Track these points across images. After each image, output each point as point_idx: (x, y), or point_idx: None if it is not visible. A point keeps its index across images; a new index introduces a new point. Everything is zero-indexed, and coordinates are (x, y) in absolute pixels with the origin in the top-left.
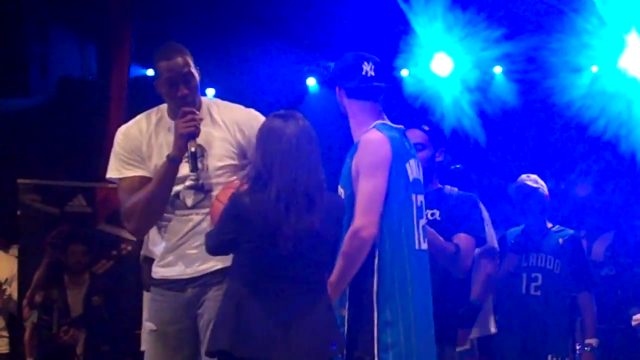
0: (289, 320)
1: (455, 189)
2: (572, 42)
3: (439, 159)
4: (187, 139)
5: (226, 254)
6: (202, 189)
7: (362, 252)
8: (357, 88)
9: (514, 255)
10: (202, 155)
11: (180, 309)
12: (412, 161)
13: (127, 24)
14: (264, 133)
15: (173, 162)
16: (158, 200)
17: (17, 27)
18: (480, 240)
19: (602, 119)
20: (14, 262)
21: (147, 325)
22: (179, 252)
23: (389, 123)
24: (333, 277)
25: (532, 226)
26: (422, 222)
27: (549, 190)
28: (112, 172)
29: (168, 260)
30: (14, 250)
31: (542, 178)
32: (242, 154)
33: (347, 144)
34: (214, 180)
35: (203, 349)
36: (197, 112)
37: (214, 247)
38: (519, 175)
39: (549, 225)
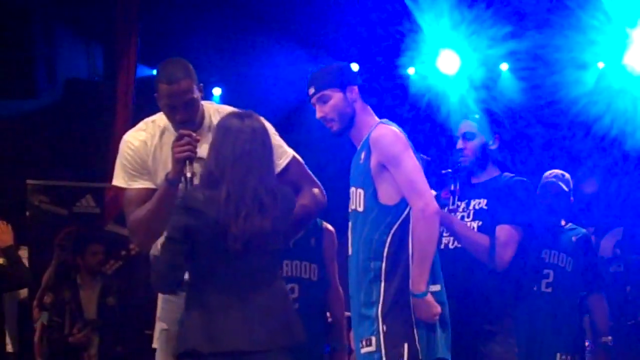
0: (250, 315)
1: (510, 175)
2: (577, 38)
3: (493, 146)
4: (183, 163)
5: (177, 259)
6: None
7: (435, 228)
8: (362, 87)
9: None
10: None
11: (171, 311)
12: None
13: (133, 24)
14: (219, 132)
15: (171, 185)
16: (157, 220)
17: (23, 29)
18: (527, 227)
19: (608, 115)
20: None
21: (160, 324)
22: None
23: (388, 121)
24: (416, 262)
25: (548, 223)
26: None
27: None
28: (118, 181)
29: None
30: (23, 252)
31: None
32: None
33: (351, 143)
34: None
35: None
36: (194, 135)
37: (163, 252)
38: (525, 173)
39: (562, 222)
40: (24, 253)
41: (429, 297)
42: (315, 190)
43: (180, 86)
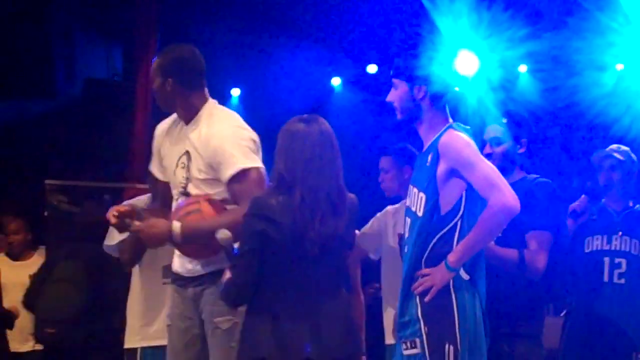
0: (319, 322)
1: (533, 177)
2: (596, 40)
3: (521, 150)
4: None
5: (249, 277)
6: (189, 195)
7: (502, 225)
8: (440, 96)
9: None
10: (189, 167)
11: (184, 306)
12: None
13: (152, 24)
14: (287, 137)
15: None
16: None
17: (43, 29)
18: (557, 230)
19: (627, 117)
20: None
21: (166, 320)
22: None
23: (461, 124)
24: (466, 241)
25: (615, 203)
26: None
27: (574, 189)
28: (150, 165)
29: (177, 255)
30: (42, 251)
31: (566, 176)
32: (210, 168)
33: (372, 143)
34: (195, 190)
35: (211, 351)
36: (116, 212)
37: (240, 273)
38: (544, 174)
39: (630, 204)
40: (41, 252)
41: (451, 274)
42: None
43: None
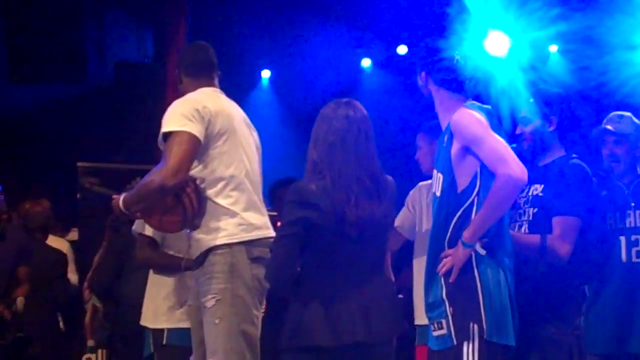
0: (366, 304)
1: (571, 157)
2: (627, 20)
3: (551, 128)
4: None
5: (291, 267)
6: None
7: (513, 197)
8: (448, 79)
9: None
10: None
11: (192, 288)
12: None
13: (182, 6)
14: (318, 121)
15: None
16: None
17: (74, 12)
18: (588, 214)
19: None
20: (63, 246)
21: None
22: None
23: (478, 103)
24: (478, 217)
25: (623, 177)
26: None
27: (603, 171)
28: None
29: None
30: (74, 234)
31: (596, 158)
32: None
33: (403, 124)
34: None
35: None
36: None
37: (278, 247)
38: (574, 154)
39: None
40: (74, 235)
41: (468, 251)
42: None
43: None
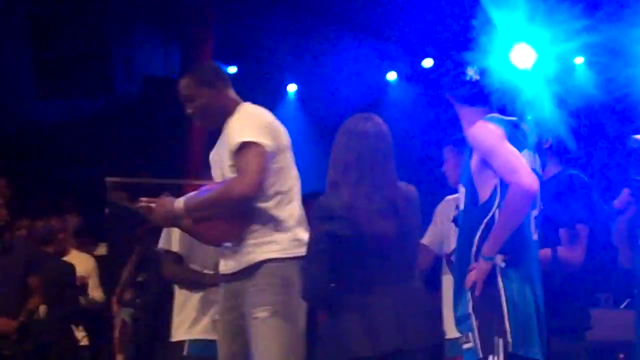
0: (402, 311)
1: (567, 171)
2: None
3: (545, 145)
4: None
5: (322, 279)
6: None
7: (527, 206)
8: (464, 95)
9: None
10: (222, 161)
11: (229, 300)
12: (525, 151)
13: (209, 21)
14: (340, 136)
15: None
16: None
17: (101, 28)
18: (594, 220)
19: None
20: (88, 261)
21: (215, 315)
22: (219, 250)
23: (499, 116)
24: (495, 230)
25: None
26: (535, 212)
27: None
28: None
29: (221, 255)
30: (102, 249)
31: (623, 170)
32: (230, 153)
33: (429, 137)
34: None
35: (254, 342)
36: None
37: (311, 264)
38: (602, 168)
39: None
40: (102, 250)
41: (489, 264)
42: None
43: (181, 81)
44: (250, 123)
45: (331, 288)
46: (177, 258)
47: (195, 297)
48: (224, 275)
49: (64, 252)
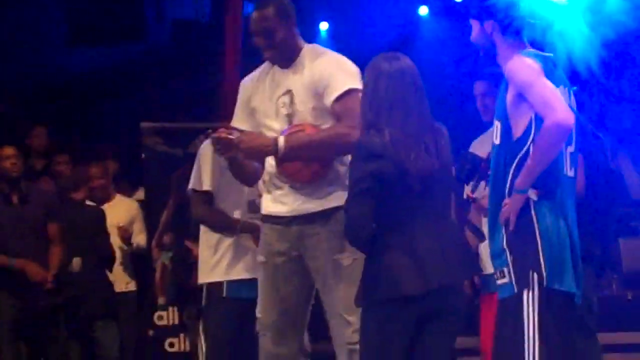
0: (444, 248)
1: None
2: None
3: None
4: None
5: (364, 218)
6: None
7: (560, 142)
8: (504, 25)
9: None
10: (292, 102)
11: (282, 243)
12: (561, 87)
13: None
14: (371, 76)
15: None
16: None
17: None
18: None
19: None
20: (132, 205)
21: (258, 257)
22: (282, 192)
23: (535, 51)
24: (529, 165)
25: None
26: (570, 149)
27: None
28: (234, 121)
29: (273, 198)
30: (140, 193)
31: None
32: (316, 95)
33: (459, 72)
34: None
35: (334, 287)
36: (222, 135)
37: (353, 205)
38: (635, 101)
39: None
40: (140, 194)
41: (522, 197)
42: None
43: (259, 13)
44: (350, 69)
45: (373, 228)
46: (208, 198)
47: (227, 241)
48: (283, 217)
49: (108, 198)
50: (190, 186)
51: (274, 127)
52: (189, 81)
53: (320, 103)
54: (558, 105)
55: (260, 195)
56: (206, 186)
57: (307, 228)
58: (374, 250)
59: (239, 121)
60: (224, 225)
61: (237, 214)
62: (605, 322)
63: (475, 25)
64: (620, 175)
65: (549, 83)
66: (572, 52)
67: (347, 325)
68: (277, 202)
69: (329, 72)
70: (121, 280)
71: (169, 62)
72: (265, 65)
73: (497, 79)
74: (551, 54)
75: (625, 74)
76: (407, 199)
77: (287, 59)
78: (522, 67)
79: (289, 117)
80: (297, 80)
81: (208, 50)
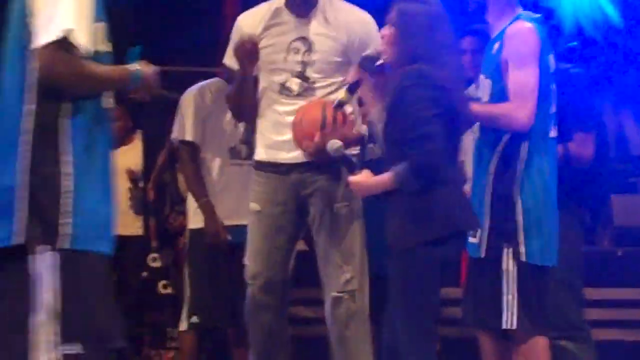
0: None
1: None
2: None
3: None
4: (245, 64)
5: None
6: (307, 79)
7: (501, 128)
8: None
9: None
10: (310, 50)
11: (279, 192)
12: (551, 55)
13: None
14: (404, 19)
15: (243, 79)
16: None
17: None
18: (598, 128)
19: None
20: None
21: (252, 206)
22: (284, 138)
23: (530, 14)
24: (483, 112)
25: None
26: (552, 109)
27: None
28: (226, 59)
29: (272, 144)
30: (139, 135)
31: None
32: (345, 53)
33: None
34: (317, 75)
35: (336, 234)
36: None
37: (431, 127)
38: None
39: None
40: (138, 136)
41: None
42: None
43: None
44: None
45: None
46: (193, 149)
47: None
48: (282, 165)
49: (130, 141)
50: (174, 134)
51: (283, 67)
52: (187, 25)
53: (348, 57)
54: (526, 105)
55: (242, 141)
56: (189, 136)
57: (307, 177)
58: (439, 182)
59: (232, 58)
60: (193, 194)
61: (218, 162)
62: (594, 278)
63: None
64: (606, 134)
65: (535, 76)
66: (578, 8)
67: (342, 272)
68: (278, 148)
69: (368, 29)
70: (132, 224)
71: (169, 6)
72: (266, 6)
73: (485, 36)
74: (539, 15)
75: (632, 31)
76: (454, 137)
77: (309, 5)
78: (523, 41)
79: (303, 64)
80: (322, 29)
81: None
